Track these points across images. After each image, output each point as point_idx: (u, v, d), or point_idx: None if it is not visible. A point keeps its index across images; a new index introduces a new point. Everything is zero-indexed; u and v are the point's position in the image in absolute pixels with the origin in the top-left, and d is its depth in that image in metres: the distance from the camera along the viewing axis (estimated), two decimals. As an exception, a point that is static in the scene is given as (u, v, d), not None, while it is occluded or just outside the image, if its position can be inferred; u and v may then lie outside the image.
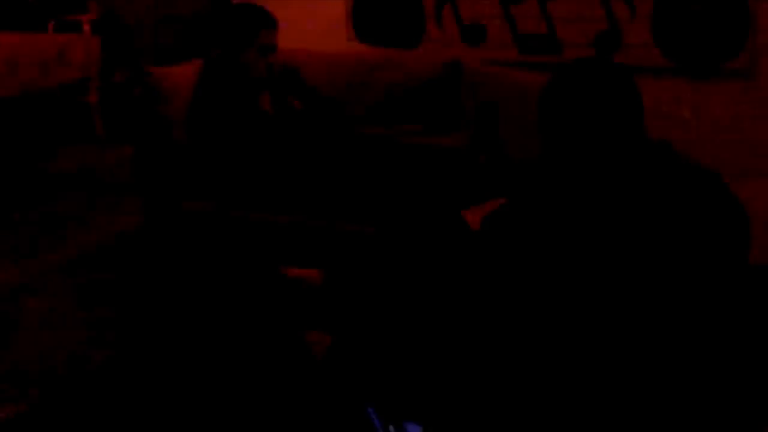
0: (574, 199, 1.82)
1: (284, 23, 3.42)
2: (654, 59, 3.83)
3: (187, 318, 3.33)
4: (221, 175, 3.22)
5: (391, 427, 2.00)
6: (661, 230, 1.77)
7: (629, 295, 1.76)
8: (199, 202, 3.26)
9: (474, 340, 1.89)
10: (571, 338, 1.78)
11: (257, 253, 3.10)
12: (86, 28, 5.42)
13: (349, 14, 4.34)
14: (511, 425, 1.85)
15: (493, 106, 3.02)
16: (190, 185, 3.28)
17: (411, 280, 2.43)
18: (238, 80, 3.26)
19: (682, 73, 3.84)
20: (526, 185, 1.98)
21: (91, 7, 5.52)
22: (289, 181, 3.16)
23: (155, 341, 3.19)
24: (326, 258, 2.82)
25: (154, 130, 3.29)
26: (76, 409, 2.79)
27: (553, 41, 4.00)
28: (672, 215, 1.79)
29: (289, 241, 3.05)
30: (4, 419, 2.72)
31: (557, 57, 3.95)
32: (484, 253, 1.92)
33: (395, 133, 3.49)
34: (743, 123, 3.76)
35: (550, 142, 1.91)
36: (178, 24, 5.13)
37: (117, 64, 5.44)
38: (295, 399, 2.70)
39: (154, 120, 3.29)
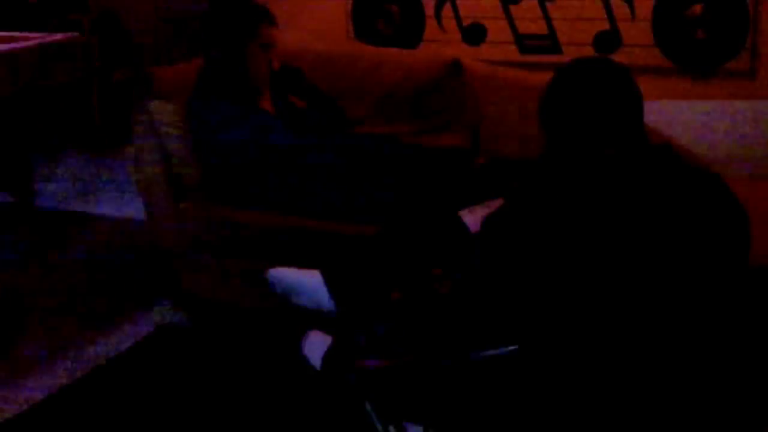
0: (574, 199, 1.82)
1: (284, 22, 3.41)
2: (654, 59, 3.83)
3: (186, 320, 3.34)
4: (221, 174, 3.22)
5: (391, 428, 2.00)
6: (661, 231, 1.77)
7: (630, 295, 1.76)
8: (199, 202, 3.26)
9: (474, 341, 1.89)
10: (572, 338, 1.78)
11: (255, 254, 3.09)
12: (86, 27, 5.42)
13: (349, 14, 4.34)
14: (511, 425, 1.85)
15: None
16: (190, 185, 3.27)
17: (411, 280, 2.43)
18: (239, 79, 3.26)
19: (682, 73, 3.84)
20: (527, 185, 1.98)
21: (91, 7, 5.52)
22: (288, 180, 3.15)
23: (156, 340, 3.19)
24: (326, 258, 2.81)
25: (154, 130, 3.28)
26: (76, 410, 2.79)
27: (553, 41, 4.00)
28: (672, 216, 1.79)
29: (288, 240, 3.05)
30: (5, 419, 2.72)
31: (557, 57, 3.95)
32: (484, 253, 1.92)
33: (395, 132, 3.49)
34: (743, 123, 3.76)
35: (552, 142, 1.91)
36: (178, 24, 5.13)
37: (117, 64, 5.44)
38: (294, 401, 2.70)
39: (154, 120, 3.29)
